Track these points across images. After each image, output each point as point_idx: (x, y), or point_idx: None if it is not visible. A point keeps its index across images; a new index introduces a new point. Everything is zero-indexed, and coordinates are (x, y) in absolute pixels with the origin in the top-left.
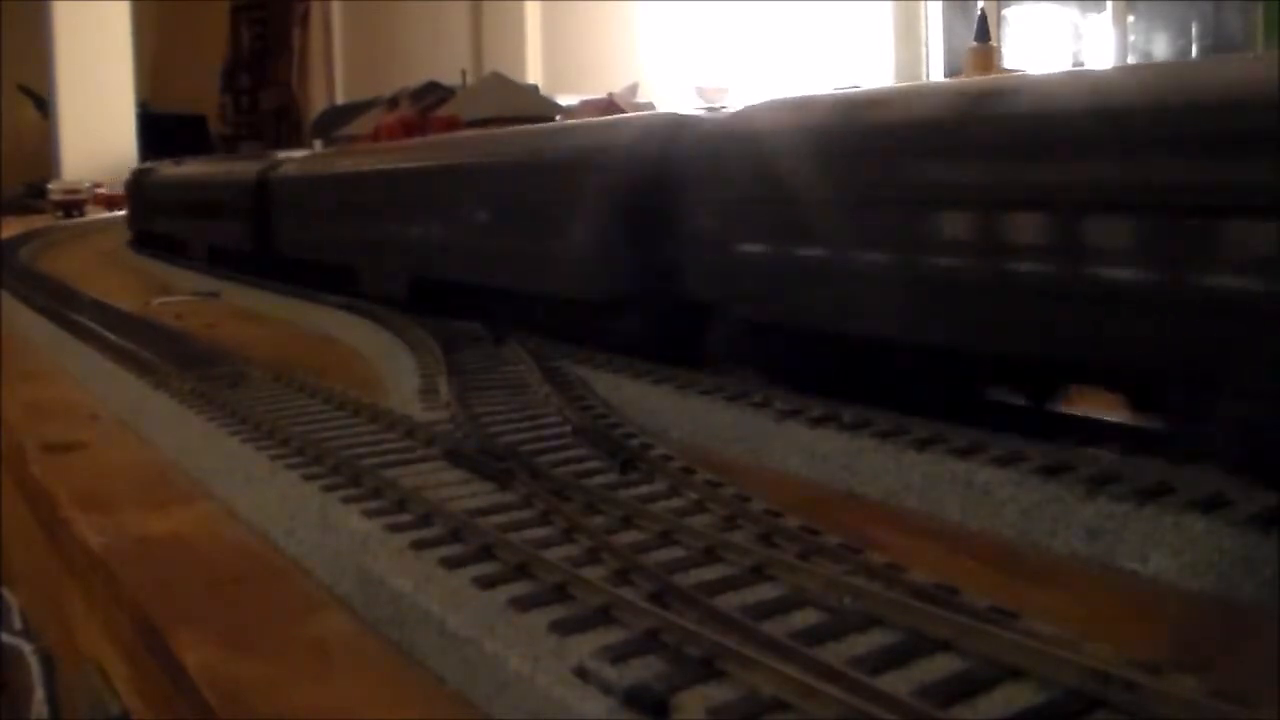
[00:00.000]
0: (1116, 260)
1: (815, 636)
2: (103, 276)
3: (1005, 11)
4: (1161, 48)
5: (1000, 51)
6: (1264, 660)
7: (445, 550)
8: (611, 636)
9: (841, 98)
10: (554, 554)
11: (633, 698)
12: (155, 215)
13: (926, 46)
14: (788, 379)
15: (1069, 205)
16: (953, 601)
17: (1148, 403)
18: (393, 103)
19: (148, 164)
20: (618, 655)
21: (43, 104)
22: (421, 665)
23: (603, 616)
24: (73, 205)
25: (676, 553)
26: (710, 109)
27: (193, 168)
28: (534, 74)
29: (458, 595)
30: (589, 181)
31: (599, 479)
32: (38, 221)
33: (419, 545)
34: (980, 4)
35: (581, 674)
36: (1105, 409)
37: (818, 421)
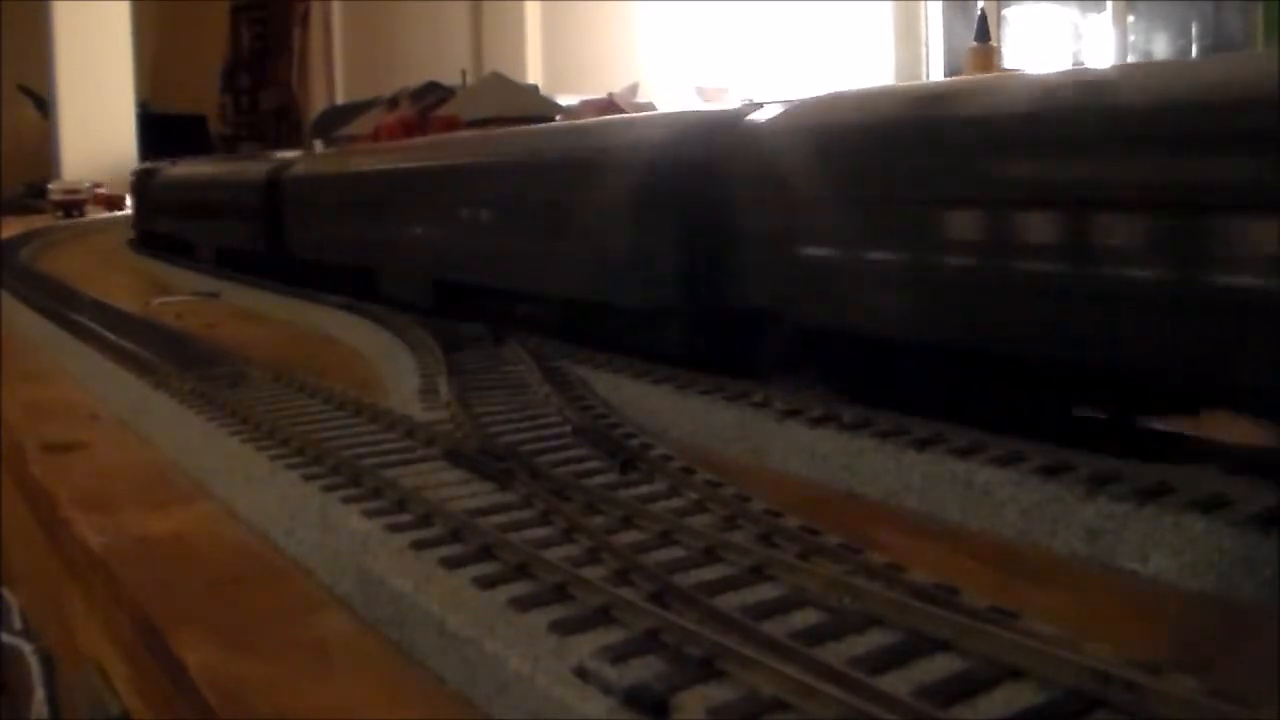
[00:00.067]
0: (1237, 267)
1: (815, 636)
2: (103, 276)
3: (1005, 11)
4: (1161, 48)
5: (1000, 51)
6: (1264, 660)
7: (445, 550)
8: (611, 636)
9: (912, 91)
10: (554, 554)
11: (633, 698)
12: (160, 216)
13: (926, 46)
14: (850, 390)
15: (1194, 205)
16: (953, 601)
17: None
18: (393, 103)
19: (152, 164)
20: (618, 655)
21: (43, 104)
22: (421, 665)
23: (603, 616)
24: (73, 205)
25: (676, 553)
26: (750, 105)
27: (199, 167)
28: (534, 74)
29: (458, 595)
30: (630, 181)
31: (599, 479)
32: (38, 221)
33: (419, 545)
34: (980, 4)
35: (581, 674)
36: (1202, 426)
37: (818, 421)
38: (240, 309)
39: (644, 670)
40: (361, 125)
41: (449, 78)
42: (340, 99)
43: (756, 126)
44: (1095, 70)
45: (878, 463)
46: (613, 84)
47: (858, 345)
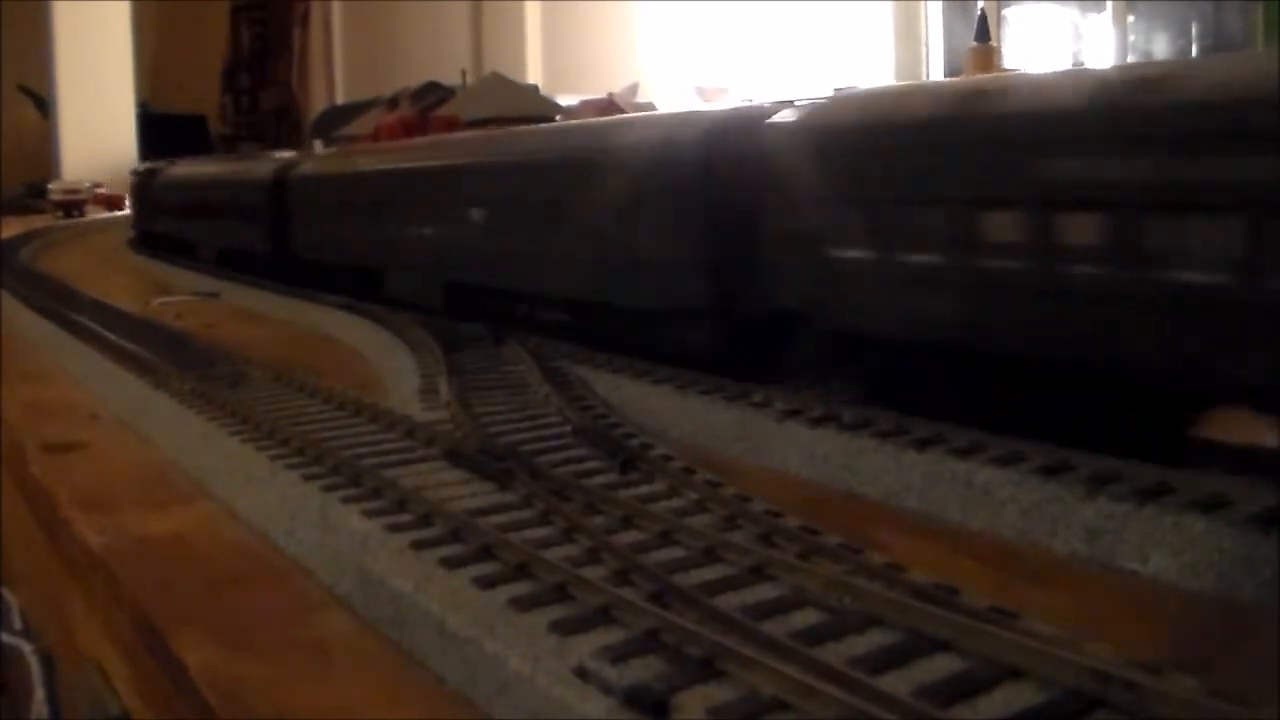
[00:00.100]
0: None
1: (815, 636)
2: (103, 276)
3: (1005, 11)
4: (1161, 48)
5: (1000, 51)
6: (1264, 660)
7: (445, 550)
8: (611, 636)
9: (957, 87)
10: (554, 554)
11: (633, 698)
12: (162, 217)
13: (926, 46)
14: (884, 397)
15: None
16: (953, 601)
17: None
18: (393, 103)
19: (154, 164)
20: (618, 655)
21: (43, 104)
22: (421, 665)
23: (603, 616)
24: (73, 205)
25: (676, 553)
26: (780, 102)
27: (201, 167)
28: (534, 74)
29: (458, 595)
30: (656, 181)
31: (599, 479)
32: (38, 222)
33: (419, 545)
34: (980, 4)
35: (581, 674)
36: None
37: (818, 421)
38: (240, 309)
39: (644, 670)
40: (361, 125)
41: (449, 78)
42: (340, 99)
43: (788, 124)
44: (1155, 64)
45: (878, 463)
46: (613, 84)
47: (894, 351)
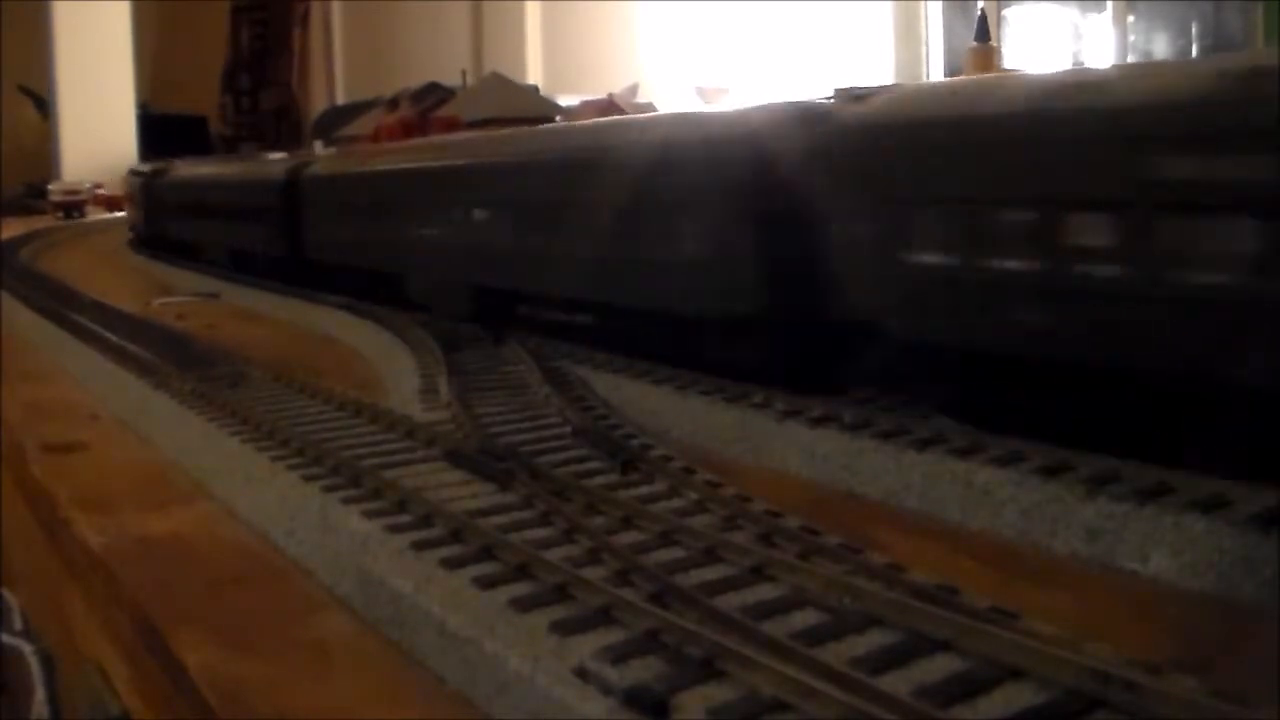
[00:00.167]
0: None
1: (815, 636)
2: (103, 277)
3: (1005, 11)
4: (1161, 48)
5: (1000, 51)
6: (1264, 660)
7: (445, 551)
8: (612, 637)
9: (1052, 80)
10: (554, 554)
11: (633, 698)
12: (167, 218)
13: (926, 46)
14: (963, 413)
15: None
16: (953, 601)
17: None
18: (393, 103)
19: (157, 164)
20: (618, 655)
21: (43, 104)
22: (422, 665)
23: (603, 617)
24: (73, 206)
25: (677, 553)
26: (844, 93)
27: (209, 167)
28: (534, 74)
29: (458, 596)
30: (707, 178)
31: (599, 479)
32: (38, 222)
33: (419, 546)
34: (980, 4)
35: (582, 674)
36: None
37: (818, 421)
38: (241, 309)
39: (644, 670)
40: (362, 126)
41: (449, 78)
42: (340, 99)
43: (855, 118)
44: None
45: (878, 463)
46: (613, 84)
47: (977, 364)
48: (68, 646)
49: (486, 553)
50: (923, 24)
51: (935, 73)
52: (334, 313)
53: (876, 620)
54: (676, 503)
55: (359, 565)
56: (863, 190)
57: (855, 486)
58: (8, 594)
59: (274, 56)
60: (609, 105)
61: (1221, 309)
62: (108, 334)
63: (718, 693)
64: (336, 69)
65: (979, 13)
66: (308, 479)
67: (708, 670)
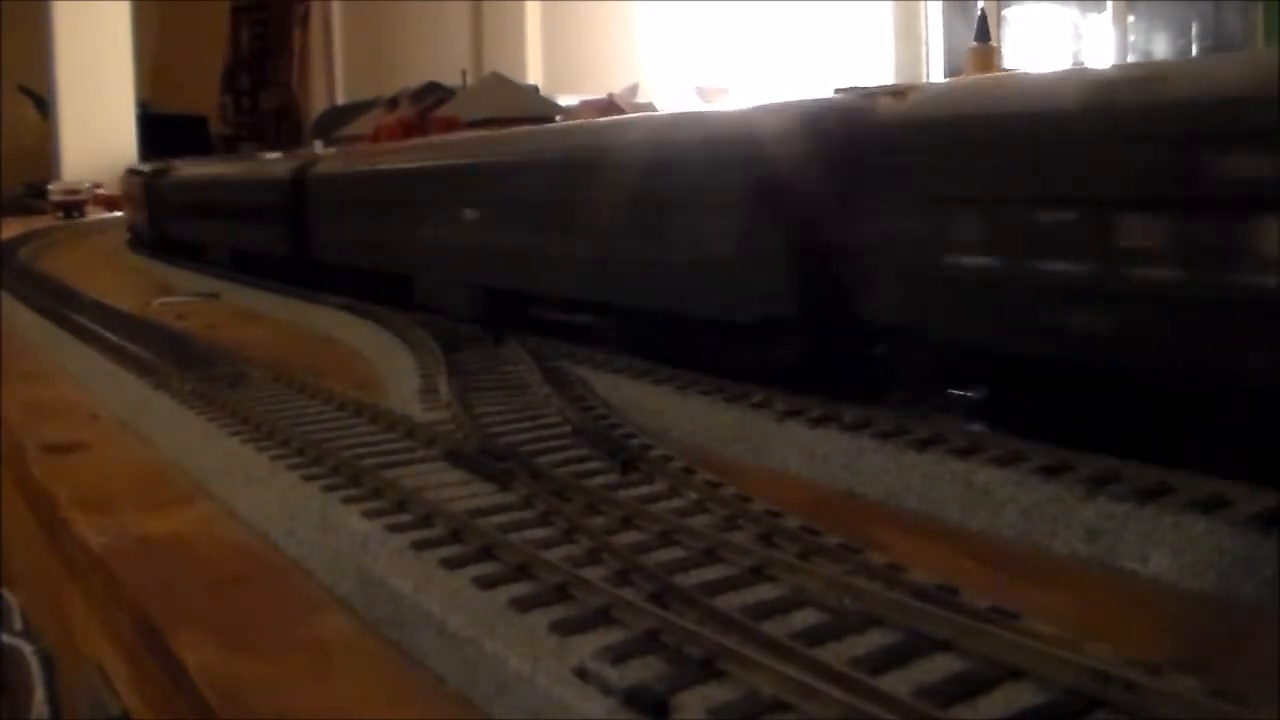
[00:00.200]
0: None
1: (815, 636)
2: (103, 277)
3: (1005, 11)
4: (1161, 48)
5: (1000, 51)
6: (1264, 660)
7: (446, 551)
8: (612, 637)
9: (1110, 76)
10: (554, 554)
11: (633, 698)
12: (170, 218)
13: (926, 46)
14: (1009, 422)
15: None
16: (953, 601)
17: None
18: (393, 103)
19: (157, 163)
20: (618, 655)
21: (43, 104)
22: (422, 665)
23: (603, 617)
24: (73, 206)
25: (677, 553)
26: (884, 89)
27: (214, 167)
28: (534, 74)
29: (458, 595)
30: (740, 178)
31: (599, 479)
32: (38, 222)
33: (419, 546)
34: (980, 4)
35: (582, 674)
36: None
37: (818, 421)
38: (241, 309)
39: (644, 670)
40: (362, 125)
41: (449, 78)
42: (340, 99)
43: (896, 114)
44: None
45: (878, 463)
46: (613, 84)
47: (1023, 371)
48: (68, 646)
49: (486, 553)
50: (923, 24)
51: (935, 73)
52: (334, 313)
53: (876, 620)
54: (676, 503)
55: (359, 565)
56: (906, 189)
57: (855, 486)
58: (8, 594)
59: (274, 56)
60: (609, 105)
61: None
62: (108, 334)
63: (718, 693)
64: (336, 69)
65: (979, 13)
66: (308, 479)
67: (708, 670)
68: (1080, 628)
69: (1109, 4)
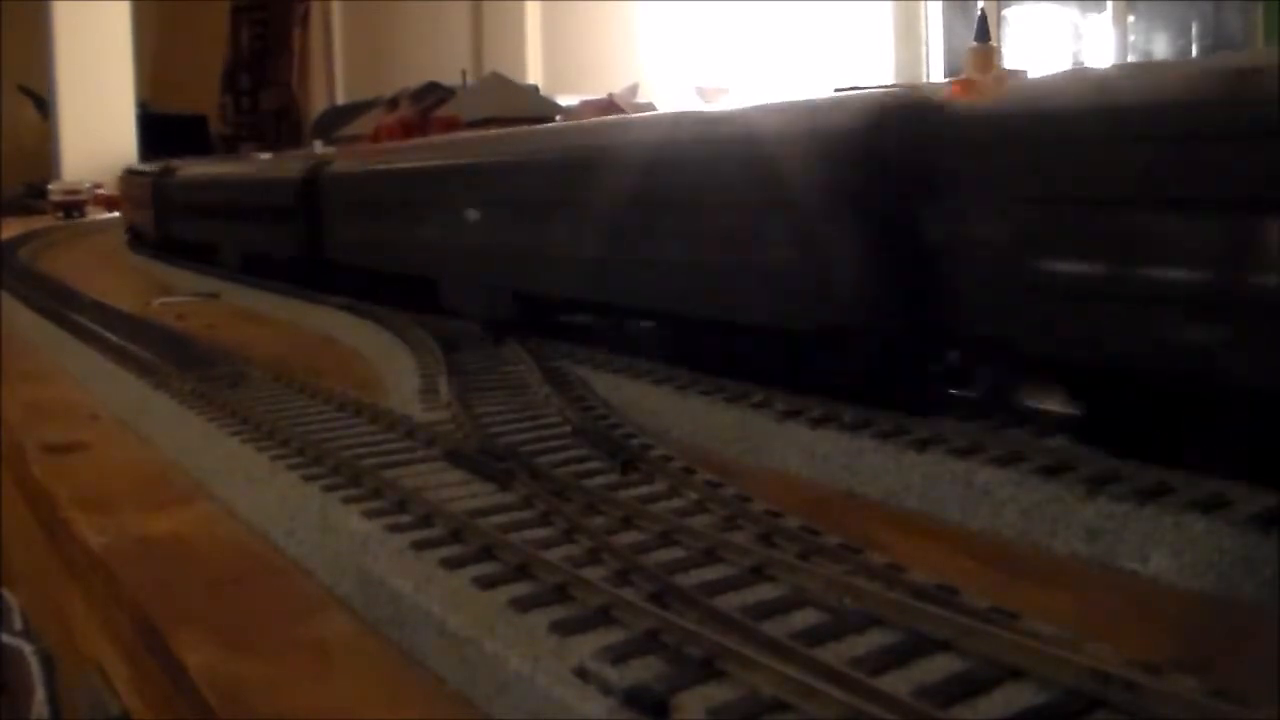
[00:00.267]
0: None
1: (815, 636)
2: (103, 277)
3: (1005, 11)
4: (1161, 48)
5: (1000, 51)
6: (1264, 660)
7: (446, 551)
8: (612, 637)
9: (1215, 66)
10: (554, 554)
11: (633, 698)
12: (174, 219)
13: (926, 46)
14: (1108, 441)
15: None
16: (953, 601)
17: None
18: (393, 103)
19: (163, 163)
20: (618, 655)
21: (43, 104)
22: (422, 665)
23: (603, 617)
24: (73, 206)
25: (677, 553)
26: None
27: (221, 166)
28: (534, 74)
29: (458, 596)
30: (802, 174)
31: (599, 479)
32: (38, 222)
33: (419, 546)
34: (980, 4)
35: (582, 674)
36: None
37: (818, 421)
38: (241, 309)
39: (644, 671)
40: (362, 125)
41: (449, 78)
42: (340, 99)
43: (971, 110)
44: None
45: (878, 463)
46: (613, 84)
47: (1127, 387)
48: (68, 646)
49: (486, 553)
50: (923, 24)
51: (935, 73)
52: (334, 313)
53: (876, 620)
54: (676, 503)
55: (359, 565)
56: (988, 189)
57: (855, 486)
58: (8, 594)
59: (274, 56)
60: (609, 105)
61: None
62: (108, 334)
63: (718, 693)
64: (336, 69)
65: (979, 13)
66: (308, 479)
67: (708, 670)
68: (1080, 628)
69: (1109, 4)
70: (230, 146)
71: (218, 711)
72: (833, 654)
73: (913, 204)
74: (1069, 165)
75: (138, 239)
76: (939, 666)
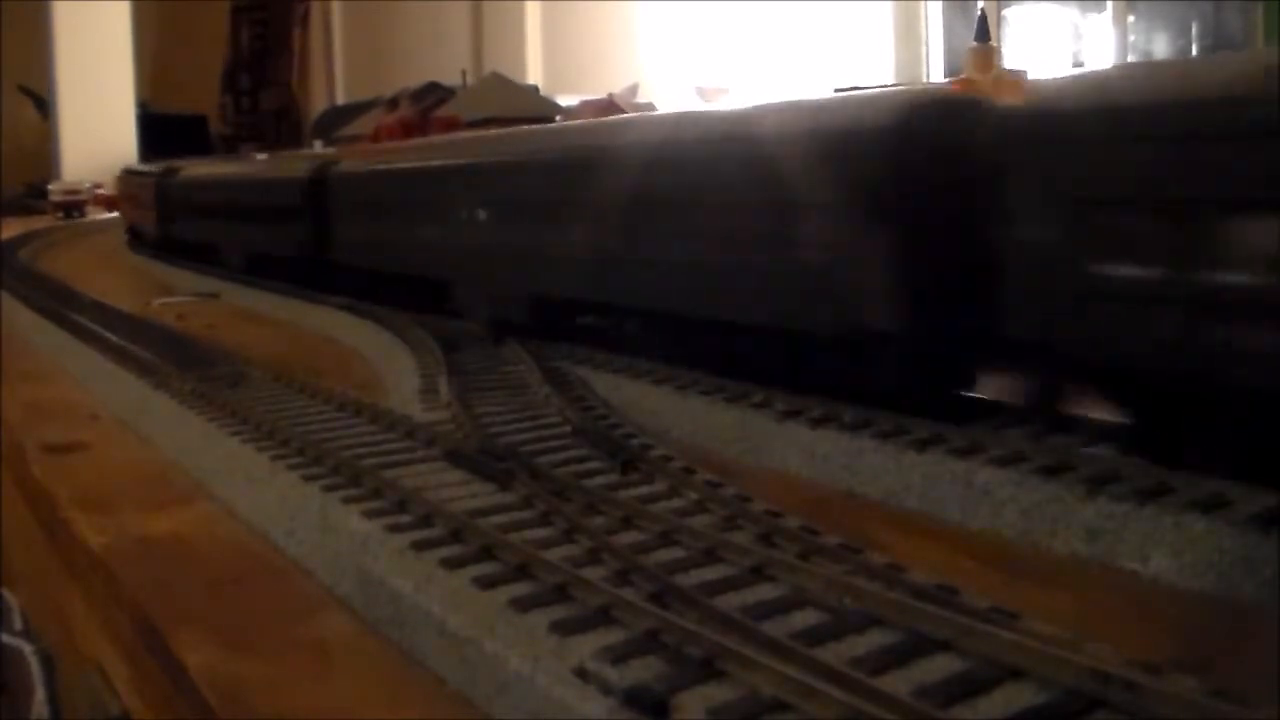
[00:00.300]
0: None
1: (815, 636)
2: (103, 277)
3: (1005, 11)
4: (1161, 48)
5: (1000, 51)
6: (1264, 660)
7: (445, 551)
8: (612, 637)
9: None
10: (554, 554)
11: (633, 698)
12: (177, 219)
13: (926, 46)
14: (1169, 449)
15: None
16: (953, 601)
17: None
18: (393, 103)
19: (167, 163)
20: (618, 655)
21: (43, 104)
22: (422, 665)
23: (603, 617)
24: (73, 206)
25: (677, 553)
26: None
27: (226, 166)
28: (534, 74)
29: (458, 596)
30: (837, 174)
31: (599, 479)
32: (38, 222)
33: (419, 546)
34: (980, 4)
35: (582, 674)
36: None
37: (818, 421)
38: (241, 309)
39: (644, 671)
40: (362, 125)
41: (449, 78)
42: (340, 99)
43: (1015, 108)
44: None
45: (878, 463)
46: (613, 84)
47: (1192, 395)
48: (68, 646)
49: (486, 553)
50: (923, 24)
51: (935, 73)
52: (334, 313)
53: (876, 620)
54: (676, 503)
55: (359, 565)
56: (1035, 190)
57: (855, 486)
58: (8, 594)
59: (274, 56)
60: (609, 105)
61: None
62: (108, 334)
63: (718, 693)
64: (336, 69)
65: (979, 13)
66: (308, 479)
67: (708, 670)
68: (1080, 628)
69: (1109, 4)
70: (230, 146)
71: (218, 711)
72: (833, 654)
73: (948, 204)
74: (1131, 165)
75: (138, 239)
76: (939, 666)
